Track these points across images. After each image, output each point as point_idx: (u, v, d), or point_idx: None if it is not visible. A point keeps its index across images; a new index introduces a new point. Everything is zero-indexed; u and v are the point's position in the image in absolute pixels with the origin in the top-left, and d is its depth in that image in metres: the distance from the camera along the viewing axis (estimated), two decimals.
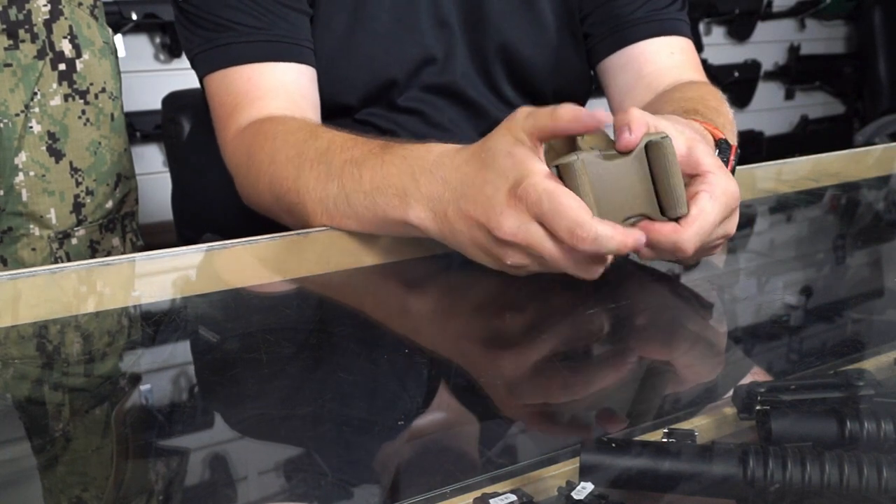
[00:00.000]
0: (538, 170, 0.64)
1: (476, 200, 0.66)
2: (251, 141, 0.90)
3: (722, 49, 3.33)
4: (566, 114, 0.64)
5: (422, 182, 0.71)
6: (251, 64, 0.92)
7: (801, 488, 0.43)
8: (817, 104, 3.65)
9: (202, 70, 0.96)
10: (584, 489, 0.43)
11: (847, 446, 0.47)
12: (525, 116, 0.66)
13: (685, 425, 0.53)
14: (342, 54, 0.98)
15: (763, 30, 3.41)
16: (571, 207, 0.62)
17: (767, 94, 3.49)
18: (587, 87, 1.12)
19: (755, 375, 0.62)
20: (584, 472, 0.45)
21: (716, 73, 3.23)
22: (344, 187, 0.78)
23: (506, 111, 1.07)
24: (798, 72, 3.53)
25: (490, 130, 0.70)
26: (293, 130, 0.87)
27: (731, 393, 0.55)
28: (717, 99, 0.95)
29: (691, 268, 0.88)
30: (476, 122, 1.05)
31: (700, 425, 0.53)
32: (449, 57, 1.02)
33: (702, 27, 3.26)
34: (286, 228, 0.86)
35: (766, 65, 3.47)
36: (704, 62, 3.22)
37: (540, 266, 0.67)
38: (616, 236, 0.62)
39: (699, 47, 3.19)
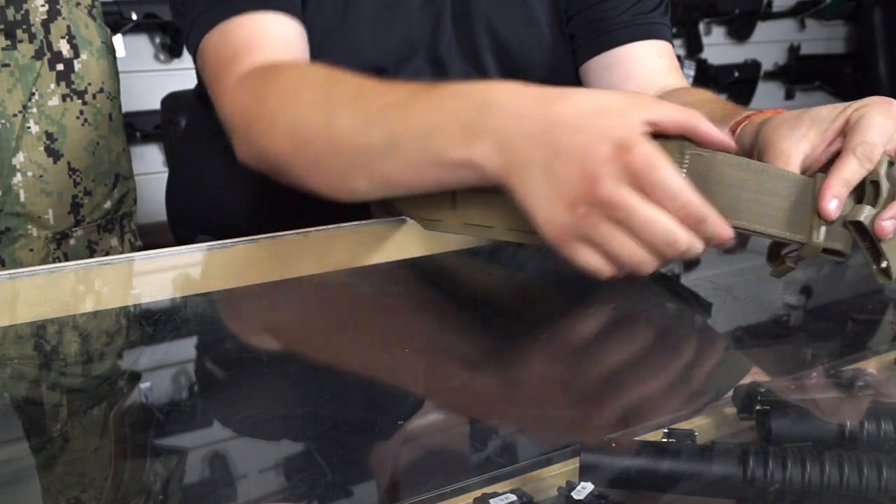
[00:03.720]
0: (649, 145, 0.61)
1: (572, 146, 0.61)
2: (260, 84, 0.82)
3: (722, 49, 3.33)
4: (710, 129, 0.64)
5: (492, 115, 0.65)
6: (250, 14, 0.87)
7: (801, 488, 0.43)
8: (817, 104, 3.64)
9: (200, 31, 0.89)
10: (584, 489, 0.43)
11: (847, 446, 0.47)
12: (657, 102, 0.65)
13: (685, 425, 0.53)
14: (331, 42, 0.97)
15: (763, 30, 3.41)
16: (682, 184, 0.60)
17: (767, 94, 3.49)
18: (577, 86, 1.12)
19: (755, 375, 0.62)
20: (584, 472, 0.44)
21: (716, 73, 3.23)
22: (389, 133, 0.71)
23: None
24: (798, 72, 3.53)
25: None
26: (312, 72, 0.81)
27: (731, 393, 0.54)
28: (723, 101, 0.95)
29: (691, 267, 0.88)
30: None
31: (700, 425, 0.53)
32: (438, 48, 1.01)
33: (702, 27, 3.26)
34: (280, 228, 0.85)
35: (766, 65, 3.47)
36: (704, 62, 3.22)
37: (620, 239, 0.62)
38: (720, 222, 0.61)
39: (699, 47, 3.19)
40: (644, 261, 0.62)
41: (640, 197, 0.60)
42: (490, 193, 0.70)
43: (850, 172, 0.66)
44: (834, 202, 0.65)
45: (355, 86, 0.76)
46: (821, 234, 0.65)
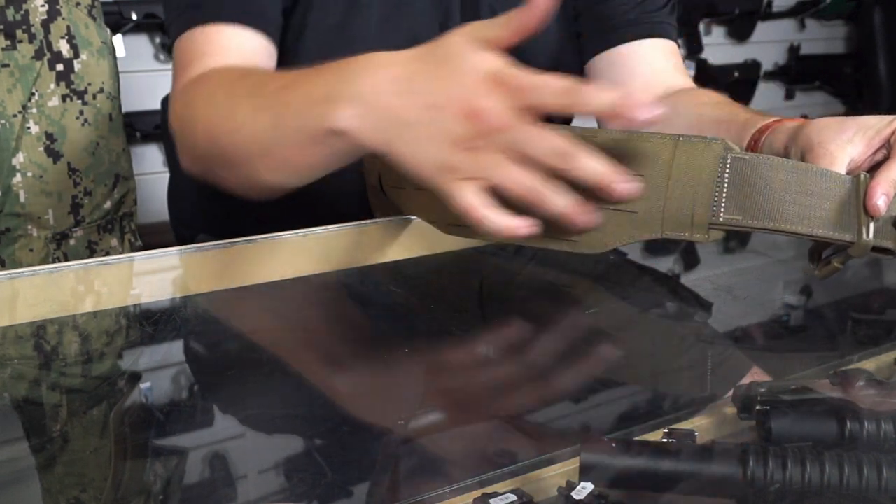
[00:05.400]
0: (510, 62, 0.61)
1: (444, 91, 0.61)
2: (192, 90, 0.85)
3: (722, 49, 3.33)
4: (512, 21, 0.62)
5: (353, 80, 0.65)
6: (214, 25, 0.88)
7: (801, 488, 0.43)
8: (817, 104, 3.65)
9: (172, 34, 0.92)
10: (584, 489, 0.43)
11: (847, 446, 0.47)
12: (485, 25, 0.63)
13: (685, 425, 0.53)
14: (337, 41, 0.97)
15: (763, 30, 3.41)
16: (554, 76, 0.60)
17: (767, 94, 3.48)
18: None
19: (755, 375, 0.62)
20: (584, 472, 0.44)
21: (716, 73, 3.23)
22: (275, 115, 0.72)
23: None
24: (798, 72, 3.52)
25: None
26: (229, 72, 0.83)
27: (731, 393, 0.54)
28: (740, 105, 0.95)
29: (691, 267, 0.88)
30: None
31: (700, 425, 0.53)
32: None
33: (702, 27, 3.25)
34: (280, 228, 0.85)
35: (766, 65, 3.46)
36: (704, 62, 3.22)
37: (507, 163, 0.60)
38: (608, 92, 0.59)
39: (699, 47, 3.19)
40: (533, 183, 0.60)
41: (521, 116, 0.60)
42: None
43: None
44: (883, 198, 0.64)
45: (259, 78, 0.77)
46: (870, 233, 0.64)
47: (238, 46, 0.89)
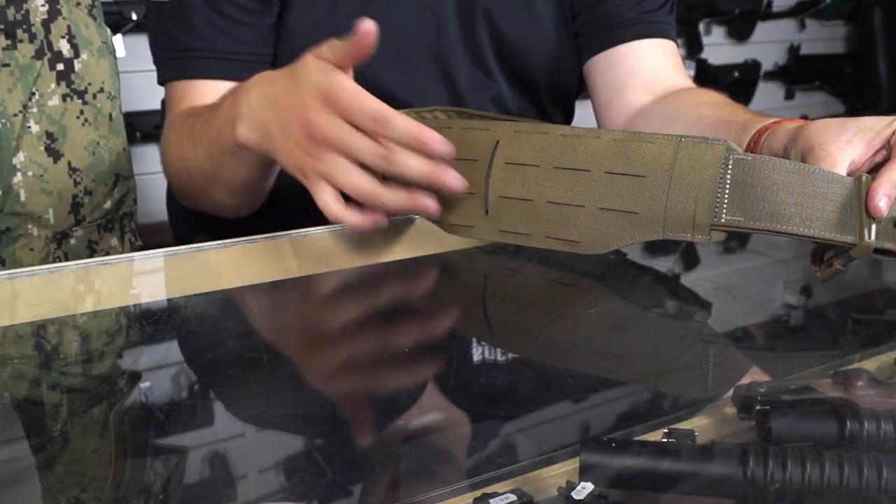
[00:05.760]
0: (345, 79, 0.70)
1: (292, 106, 0.72)
2: (163, 136, 0.97)
3: (722, 49, 3.33)
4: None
5: (242, 102, 0.77)
6: (196, 80, 0.96)
7: (801, 488, 0.43)
8: (817, 104, 3.65)
9: (160, 76, 1.01)
10: (584, 489, 0.43)
11: (847, 446, 0.47)
12: (328, 48, 0.72)
13: (685, 425, 0.53)
14: (324, 35, 0.97)
15: (763, 30, 3.41)
16: (373, 101, 0.69)
17: (767, 94, 3.48)
18: (578, 84, 1.12)
19: (755, 375, 0.62)
20: (584, 472, 0.44)
21: (716, 73, 3.23)
22: (205, 145, 0.84)
23: (500, 106, 1.07)
24: (798, 72, 3.52)
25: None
26: (180, 113, 0.93)
27: (731, 393, 0.54)
28: (741, 105, 0.95)
29: (691, 267, 0.88)
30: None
31: (700, 425, 0.53)
32: (441, 47, 1.01)
33: (702, 27, 3.25)
34: (280, 227, 0.85)
35: (766, 65, 3.46)
36: (704, 62, 3.22)
37: (346, 168, 0.70)
38: (413, 128, 0.68)
39: (699, 47, 3.19)
40: (367, 186, 0.70)
41: (350, 127, 0.69)
42: (524, 200, 0.70)
43: None
44: (884, 200, 0.64)
45: (195, 115, 0.88)
46: (872, 234, 0.64)
47: (218, 95, 0.94)
